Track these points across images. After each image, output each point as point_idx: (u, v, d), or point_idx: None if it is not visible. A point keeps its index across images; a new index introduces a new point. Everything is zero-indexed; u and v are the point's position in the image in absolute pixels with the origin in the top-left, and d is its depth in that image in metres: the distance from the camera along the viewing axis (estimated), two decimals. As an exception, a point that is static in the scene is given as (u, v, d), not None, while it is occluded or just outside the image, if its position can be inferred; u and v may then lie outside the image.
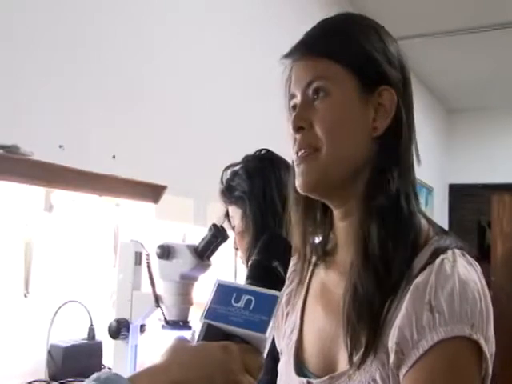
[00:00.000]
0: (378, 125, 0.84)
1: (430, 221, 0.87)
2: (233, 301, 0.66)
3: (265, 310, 0.65)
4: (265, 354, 0.66)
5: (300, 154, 0.85)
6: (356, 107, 0.84)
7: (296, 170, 0.87)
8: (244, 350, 0.64)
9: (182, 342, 0.65)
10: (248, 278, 0.72)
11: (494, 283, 5.74)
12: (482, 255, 6.19)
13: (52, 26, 1.86)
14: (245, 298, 0.66)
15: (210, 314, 0.67)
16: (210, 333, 0.66)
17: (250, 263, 0.74)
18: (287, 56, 0.88)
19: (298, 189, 0.87)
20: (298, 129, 0.85)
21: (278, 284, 0.72)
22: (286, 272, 0.76)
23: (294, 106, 0.88)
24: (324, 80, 0.84)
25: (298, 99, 0.87)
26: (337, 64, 0.84)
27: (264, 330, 0.64)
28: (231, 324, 0.65)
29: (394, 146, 0.84)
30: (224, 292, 0.68)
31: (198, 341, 0.66)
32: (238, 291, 0.67)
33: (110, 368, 1.88)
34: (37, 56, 1.81)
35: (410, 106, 0.88)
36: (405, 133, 0.85)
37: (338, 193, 0.86)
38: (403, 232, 0.81)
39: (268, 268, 0.73)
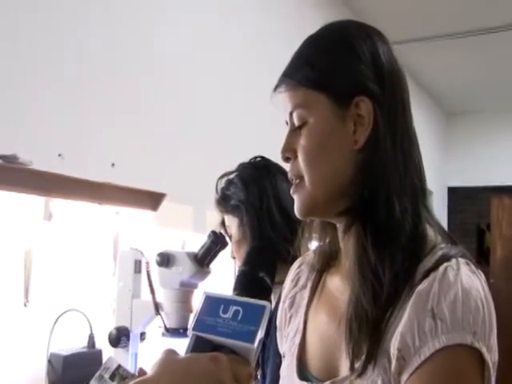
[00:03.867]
0: (358, 137, 0.83)
1: (438, 229, 0.86)
2: (221, 312, 0.66)
3: (253, 320, 0.66)
4: (254, 364, 0.66)
5: (292, 182, 0.88)
6: (333, 126, 0.84)
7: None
8: (233, 360, 0.64)
9: (171, 354, 0.65)
10: (235, 289, 0.72)
11: (493, 286, 5.73)
12: (482, 258, 6.19)
13: (51, 36, 1.88)
14: (233, 308, 0.67)
15: (198, 325, 0.67)
16: (199, 344, 0.66)
17: (236, 274, 0.74)
18: (275, 89, 0.90)
19: (296, 214, 0.89)
20: (285, 160, 0.89)
21: (266, 294, 0.73)
22: (273, 282, 0.76)
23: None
24: (301, 108, 0.86)
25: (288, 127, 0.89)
26: (309, 89, 0.85)
27: (252, 341, 0.65)
28: (220, 335, 0.65)
29: (377, 156, 0.83)
30: (212, 303, 0.68)
31: (186, 353, 0.65)
32: (226, 302, 0.67)
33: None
34: (36, 65, 1.82)
35: (398, 112, 0.85)
36: (384, 141, 0.83)
37: (333, 212, 0.86)
38: (397, 244, 0.80)
39: (254, 278, 0.73)
